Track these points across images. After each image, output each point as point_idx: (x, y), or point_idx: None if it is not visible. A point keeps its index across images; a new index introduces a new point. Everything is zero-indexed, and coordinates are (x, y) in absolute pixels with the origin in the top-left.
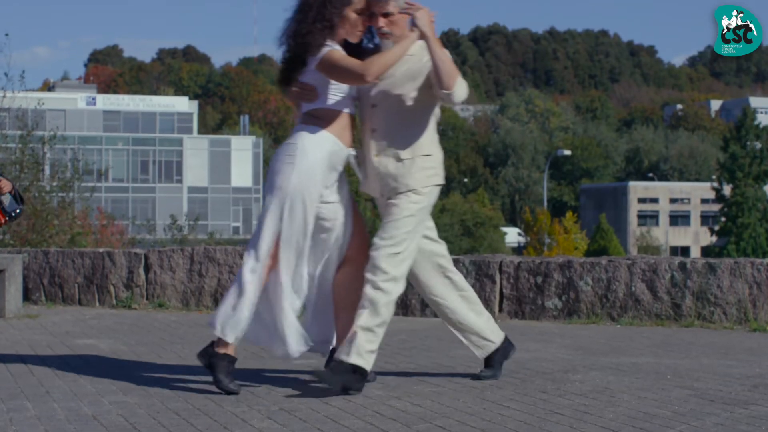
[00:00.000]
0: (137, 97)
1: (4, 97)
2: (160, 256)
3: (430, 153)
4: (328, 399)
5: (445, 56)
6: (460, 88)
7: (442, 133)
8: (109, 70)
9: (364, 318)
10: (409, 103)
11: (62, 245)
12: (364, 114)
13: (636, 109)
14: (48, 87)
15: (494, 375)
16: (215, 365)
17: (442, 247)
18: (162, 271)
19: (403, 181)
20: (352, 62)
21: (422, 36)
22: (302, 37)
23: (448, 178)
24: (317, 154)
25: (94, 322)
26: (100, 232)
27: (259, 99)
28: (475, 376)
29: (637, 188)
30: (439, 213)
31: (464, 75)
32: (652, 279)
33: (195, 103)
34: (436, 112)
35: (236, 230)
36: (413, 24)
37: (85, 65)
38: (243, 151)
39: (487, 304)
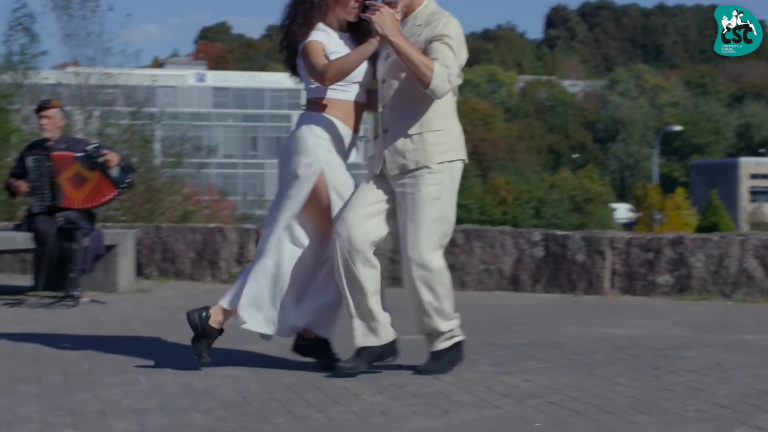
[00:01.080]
0: (246, 74)
1: (119, 74)
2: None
3: (439, 128)
4: (441, 375)
5: (412, 55)
6: (437, 80)
7: (551, 109)
8: (218, 47)
9: (436, 322)
10: None
11: (174, 221)
12: (378, 90)
13: (747, 85)
14: (158, 64)
15: (355, 367)
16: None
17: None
18: None
19: (412, 158)
20: (317, 61)
21: (384, 39)
22: (290, 23)
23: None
24: (320, 139)
25: (206, 297)
26: (211, 207)
27: None
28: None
29: (748, 164)
30: (548, 189)
31: (573, 51)
32: (764, 255)
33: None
34: (454, 87)
35: None
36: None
37: (195, 42)
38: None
39: (597, 280)
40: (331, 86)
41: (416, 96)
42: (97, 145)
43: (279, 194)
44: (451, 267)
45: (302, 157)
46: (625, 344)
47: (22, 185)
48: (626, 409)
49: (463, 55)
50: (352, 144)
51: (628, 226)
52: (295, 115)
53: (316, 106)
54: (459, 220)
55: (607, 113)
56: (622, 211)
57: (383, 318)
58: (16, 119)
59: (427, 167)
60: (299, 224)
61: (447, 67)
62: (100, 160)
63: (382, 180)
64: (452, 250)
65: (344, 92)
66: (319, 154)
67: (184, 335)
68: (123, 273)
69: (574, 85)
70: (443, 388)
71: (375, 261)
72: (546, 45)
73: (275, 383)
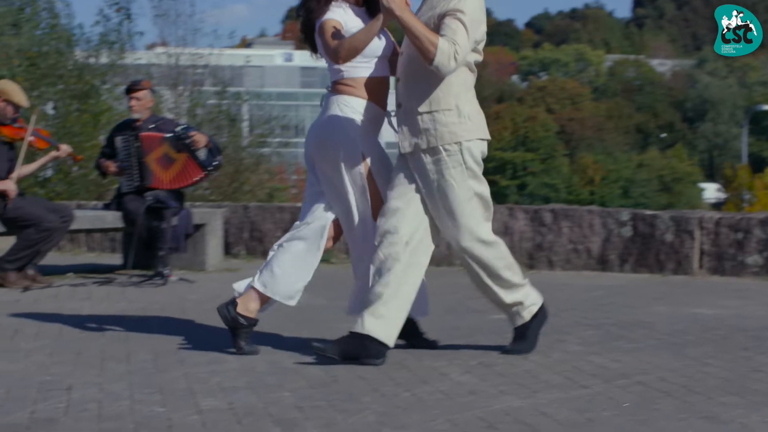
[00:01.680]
0: None
1: (209, 54)
2: None
3: (450, 108)
4: (527, 353)
5: (417, 30)
6: (441, 57)
7: (639, 88)
8: None
9: (503, 293)
10: None
11: (261, 200)
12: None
13: None
14: (245, 44)
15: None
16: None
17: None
18: None
19: (424, 138)
20: (330, 40)
21: (390, 14)
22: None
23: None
24: (350, 122)
25: None
26: (298, 186)
27: None
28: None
29: None
30: (636, 168)
31: (661, 29)
32: None
33: None
34: (468, 63)
35: None
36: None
37: (282, 22)
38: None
39: (686, 260)
40: (352, 64)
41: (428, 72)
42: (186, 126)
43: (333, 191)
44: (539, 246)
45: (341, 144)
46: (714, 325)
47: (111, 165)
48: (715, 390)
49: (479, 32)
50: (381, 121)
51: (717, 206)
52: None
53: (341, 87)
54: (546, 199)
55: (696, 92)
56: (711, 191)
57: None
58: (109, 99)
59: (443, 149)
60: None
61: (454, 43)
62: (188, 141)
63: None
64: (540, 230)
65: (366, 68)
66: (357, 137)
67: (272, 313)
68: (211, 252)
69: (662, 65)
70: (531, 368)
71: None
72: (634, 24)
73: (361, 363)
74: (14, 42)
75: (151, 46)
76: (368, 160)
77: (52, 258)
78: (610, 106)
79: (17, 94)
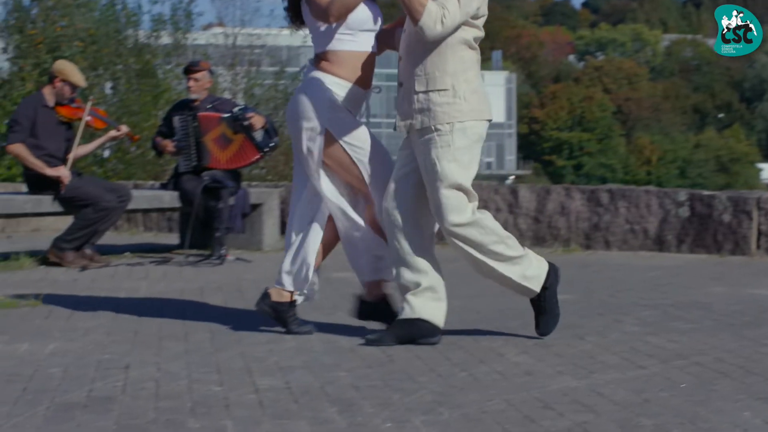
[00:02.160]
0: None
1: (266, 34)
2: None
3: (446, 87)
4: (584, 334)
5: None
6: (427, 18)
7: (696, 68)
8: None
9: (501, 267)
10: None
11: None
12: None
13: None
14: None
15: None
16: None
17: None
18: None
19: (418, 118)
20: None
21: None
22: None
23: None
24: (321, 101)
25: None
26: None
27: (511, 34)
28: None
29: None
30: (693, 149)
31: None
32: None
33: None
34: (466, 40)
35: (489, 165)
36: None
37: None
38: (496, 86)
39: (744, 240)
40: (337, 36)
41: (426, 51)
42: (243, 107)
43: (297, 160)
44: (596, 227)
45: (304, 121)
46: None
47: (169, 144)
48: None
49: (473, 5)
50: (360, 99)
51: None
52: None
53: (320, 62)
54: (603, 179)
55: (754, 72)
56: None
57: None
58: (168, 78)
59: (434, 128)
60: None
61: (443, 7)
62: (245, 122)
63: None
64: (597, 210)
65: (351, 42)
66: (320, 117)
67: (329, 293)
68: (268, 232)
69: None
70: (588, 349)
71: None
72: (691, 3)
73: (418, 344)
74: (75, 21)
75: (207, 27)
76: (332, 134)
77: (109, 238)
78: (666, 86)
79: (74, 74)
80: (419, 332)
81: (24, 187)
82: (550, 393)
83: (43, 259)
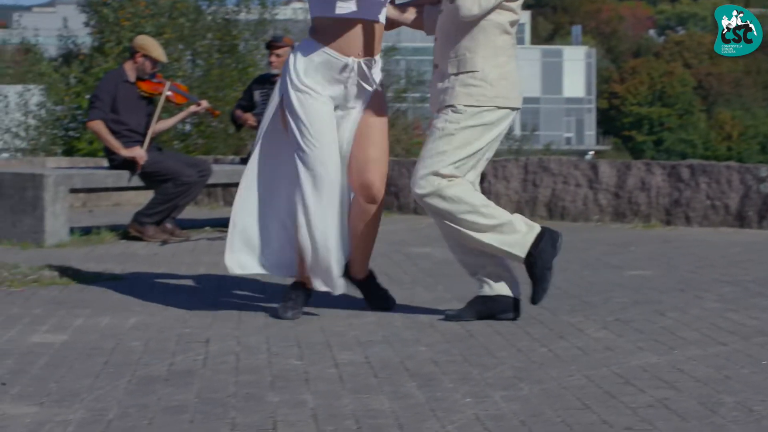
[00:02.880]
0: None
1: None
2: (494, 165)
3: (475, 69)
4: (664, 310)
5: None
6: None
7: None
8: None
9: (478, 237)
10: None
11: (398, 155)
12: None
13: None
14: None
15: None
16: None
17: None
18: (496, 181)
19: (443, 97)
20: None
21: None
22: None
23: None
24: (299, 66)
25: (429, 231)
26: None
27: (591, 9)
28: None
29: None
30: None
31: None
32: None
33: (527, 14)
34: (500, 24)
35: (568, 141)
36: None
37: None
38: (575, 61)
39: None
40: (325, 2)
41: (460, 33)
42: None
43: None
44: (676, 202)
45: (279, 89)
46: None
47: (250, 118)
48: None
49: None
50: (343, 66)
51: None
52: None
53: (312, 27)
54: (683, 155)
55: None
56: None
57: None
58: (252, 54)
59: (452, 107)
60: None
61: None
62: None
63: None
64: (677, 186)
65: (340, 8)
66: (284, 87)
67: (408, 268)
68: None
69: None
70: (669, 324)
71: None
72: None
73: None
74: None
75: (287, 2)
76: (284, 107)
77: (189, 212)
78: (748, 61)
79: (156, 49)
80: (499, 308)
81: (105, 162)
82: (630, 369)
83: (124, 233)
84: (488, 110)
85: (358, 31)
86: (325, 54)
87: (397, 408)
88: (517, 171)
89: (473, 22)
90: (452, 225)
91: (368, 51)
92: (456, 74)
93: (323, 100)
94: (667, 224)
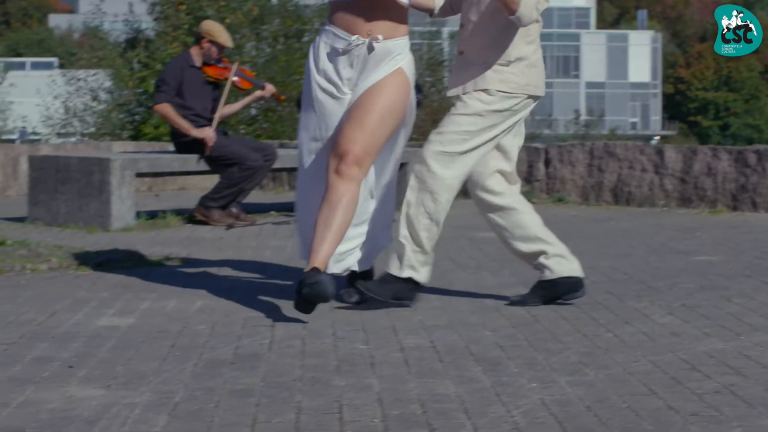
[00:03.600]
0: None
1: None
2: (559, 151)
3: (511, 58)
4: (730, 295)
5: None
6: (525, 9)
7: None
8: None
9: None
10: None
11: None
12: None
13: None
14: None
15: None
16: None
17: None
18: (562, 166)
19: (473, 80)
20: None
21: None
22: None
23: None
24: (319, 51)
25: None
26: None
27: None
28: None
29: None
30: None
31: None
32: None
33: None
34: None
35: (633, 126)
36: None
37: None
38: (641, 46)
39: None
40: None
41: (489, 20)
42: None
43: None
44: (743, 188)
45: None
46: None
47: None
48: None
49: None
50: (349, 46)
51: None
52: (584, 34)
53: (328, 16)
54: (749, 140)
55: None
56: None
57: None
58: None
59: (486, 90)
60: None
61: None
62: None
63: None
64: (744, 171)
65: None
66: (311, 67)
67: (473, 253)
68: None
69: None
70: (735, 311)
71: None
72: None
73: (563, 302)
74: None
75: None
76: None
77: (255, 196)
78: None
79: (222, 34)
80: (564, 289)
81: (171, 146)
82: (696, 355)
83: (189, 217)
84: (517, 97)
85: (368, 10)
86: (332, 34)
87: (463, 392)
88: (583, 156)
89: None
90: (410, 209)
91: (382, 31)
92: (487, 62)
93: (337, 94)
94: (733, 210)
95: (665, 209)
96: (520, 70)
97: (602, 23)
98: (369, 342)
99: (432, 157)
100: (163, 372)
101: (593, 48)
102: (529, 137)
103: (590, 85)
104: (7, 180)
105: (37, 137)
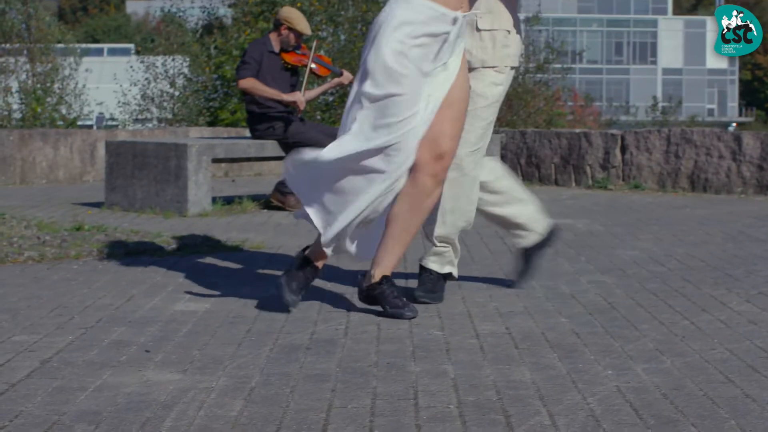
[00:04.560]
0: None
1: None
2: (636, 137)
3: (509, 28)
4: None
5: None
6: None
7: None
8: None
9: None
10: None
11: (539, 126)
12: None
13: None
14: None
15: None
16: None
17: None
18: (638, 153)
19: (478, 56)
20: None
21: None
22: None
23: None
24: (392, 21)
25: (571, 202)
26: (576, 113)
27: None
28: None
29: None
30: None
31: None
32: None
33: None
34: None
35: (710, 112)
36: None
37: None
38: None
39: None
40: None
41: None
42: None
43: None
44: None
45: None
46: None
47: None
48: None
49: None
50: (445, 20)
51: None
52: (661, 19)
53: None
54: None
55: None
56: None
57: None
58: None
59: (495, 68)
60: None
61: None
62: None
63: None
64: None
65: None
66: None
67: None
68: None
69: None
70: None
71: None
72: None
73: (640, 289)
74: None
75: None
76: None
77: None
78: None
79: (300, 21)
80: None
81: (247, 132)
82: None
83: (265, 203)
84: (513, 69)
85: None
86: (427, 7)
87: (538, 379)
88: (660, 142)
89: None
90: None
91: (467, 8)
92: (489, 30)
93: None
94: None
95: (742, 196)
96: (516, 40)
97: (679, 9)
98: (444, 328)
99: (467, 160)
100: (239, 357)
101: (671, 34)
102: (605, 123)
103: (667, 71)
104: (84, 165)
105: (114, 123)
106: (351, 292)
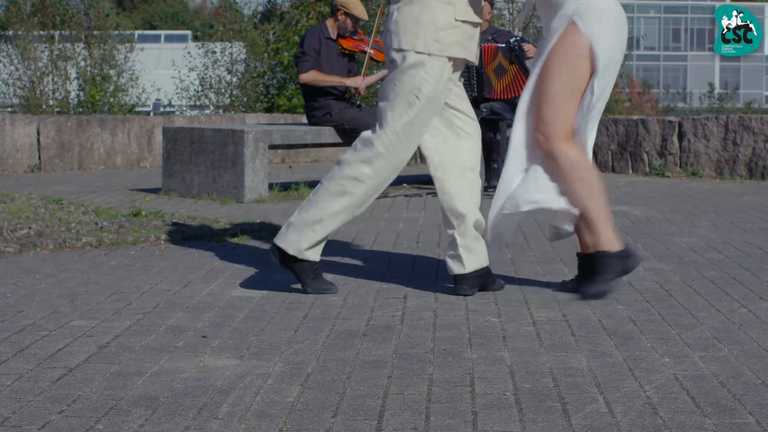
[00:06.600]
0: None
1: None
2: (694, 124)
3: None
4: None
5: None
6: None
7: None
8: None
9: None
10: None
11: None
12: None
13: None
14: None
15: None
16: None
17: None
18: (696, 140)
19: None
20: None
21: None
22: None
23: None
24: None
25: (628, 189)
26: (633, 100)
27: None
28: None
29: None
30: None
31: None
32: None
33: None
34: None
35: None
36: None
37: None
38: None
39: None
40: None
41: None
42: (520, 37)
43: None
44: None
45: None
46: None
47: None
48: None
49: None
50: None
51: None
52: (719, 5)
53: None
54: None
55: None
56: None
57: None
58: None
59: None
60: None
61: None
62: (520, 53)
63: None
64: None
65: None
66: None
67: None
68: None
69: None
70: None
71: None
72: None
73: (698, 277)
74: None
75: None
76: None
77: None
78: None
79: (357, 6)
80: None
81: (304, 119)
82: None
83: None
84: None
85: None
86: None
87: (595, 366)
88: (717, 129)
89: None
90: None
91: None
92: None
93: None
94: None
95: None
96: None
97: None
98: (501, 315)
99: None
100: (296, 343)
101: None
102: (662, 110)
103: (725, 57)
104: (142, 151)
105: (171, 109)
106: (408, 279)
